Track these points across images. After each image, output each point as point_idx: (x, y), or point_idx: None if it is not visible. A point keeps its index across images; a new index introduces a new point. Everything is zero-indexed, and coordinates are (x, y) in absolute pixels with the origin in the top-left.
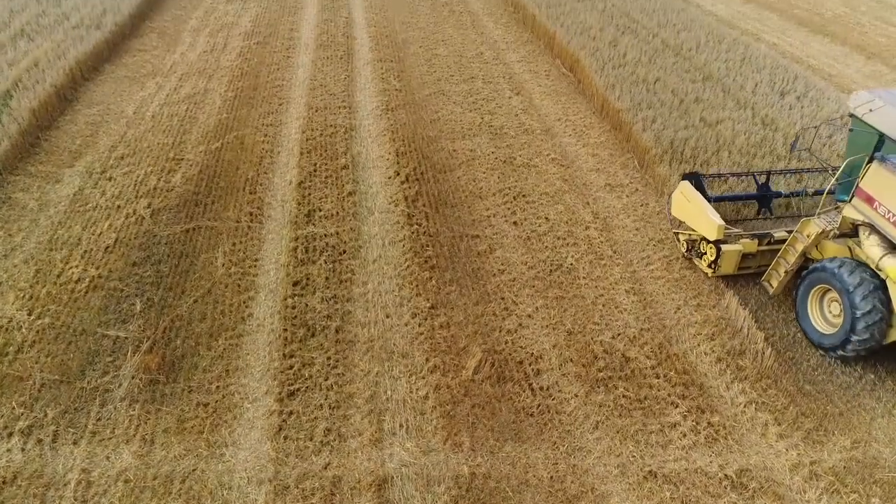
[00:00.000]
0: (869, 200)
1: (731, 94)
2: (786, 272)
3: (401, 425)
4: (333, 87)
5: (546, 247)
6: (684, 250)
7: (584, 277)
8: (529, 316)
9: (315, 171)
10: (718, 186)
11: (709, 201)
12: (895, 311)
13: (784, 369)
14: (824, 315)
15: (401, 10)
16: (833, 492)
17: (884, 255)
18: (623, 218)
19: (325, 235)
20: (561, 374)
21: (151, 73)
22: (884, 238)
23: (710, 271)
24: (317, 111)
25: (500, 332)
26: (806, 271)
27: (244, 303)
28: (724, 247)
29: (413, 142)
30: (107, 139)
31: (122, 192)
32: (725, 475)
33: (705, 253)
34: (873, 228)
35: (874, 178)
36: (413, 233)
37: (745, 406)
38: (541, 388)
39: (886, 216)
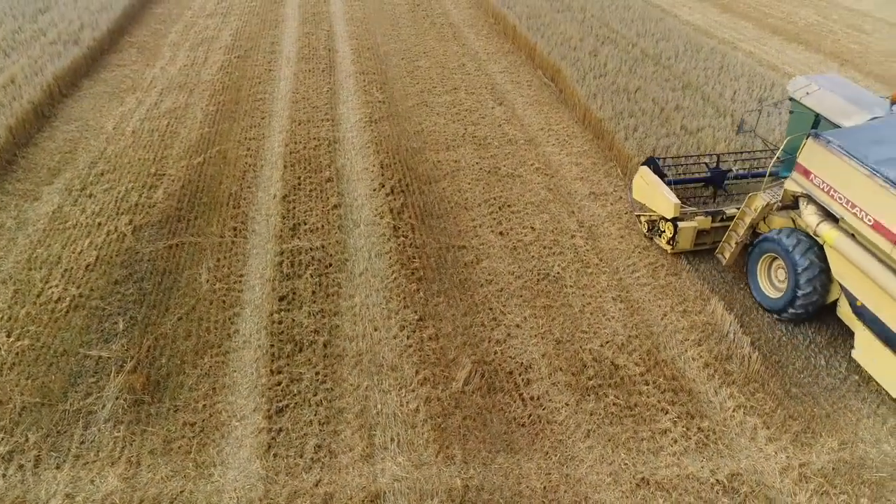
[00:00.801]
0: (806, 174)
1: (710, 102)
2: (736, 244)
3: (392, 439)
4: (316, 100)
5: (532, 256)
6: (646, 231)
7: (571, 286)
8: (518, 326)
9: (299, 184)
10: (676, 172)
11: (667, 184)
12: (832, 272)
13: (771, 373)
14: (772, 281)
15: (382, 23)
16: (823, 493)
17: (820, 222)
18: (608, 226)
19: (311, 249)
20: (551, 383)
21: (131, 88)
22: (820, 207)
23: (669, 248)
24: (300, 124)
25: (488, 342)
26: (754, 243)
27: (230, 319)
28: (680, 224)
29: (397, 153)
30: (86, 156)
31: (103, 208)
32: (717, 480)
33: (664, 231)
34: (810, 199)
35: (810, 153)
36: (399, 245)
37: (733, 410)
38: (531, 398)
39: (821, 187)
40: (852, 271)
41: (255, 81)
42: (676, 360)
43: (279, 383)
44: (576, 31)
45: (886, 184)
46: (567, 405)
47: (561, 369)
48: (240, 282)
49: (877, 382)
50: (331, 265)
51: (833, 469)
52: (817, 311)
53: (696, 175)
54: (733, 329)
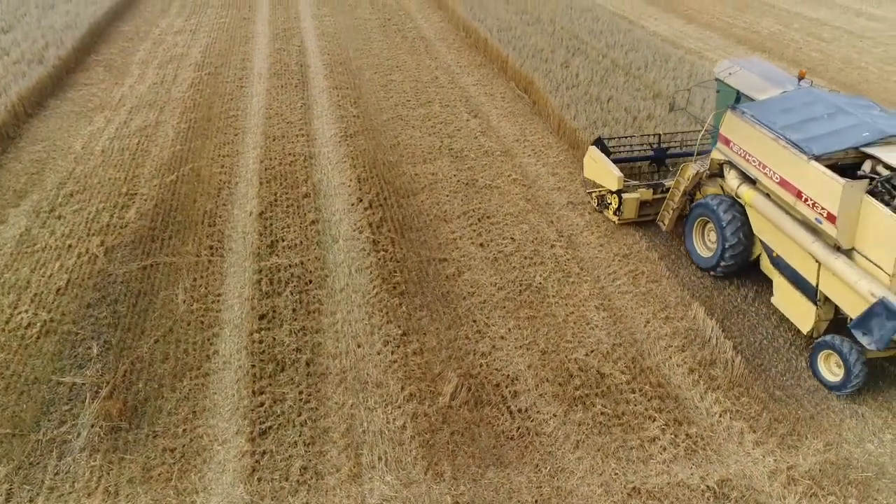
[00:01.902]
0: (727, 142)
1: (682, 110)
2: (673, 210)
3: (379, 458)
4: (290, 116)
5: (514, 267)
6: (595, 205)
7: (553, 296)
8: (502, 337)
9: (276, 200)
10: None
11: (614, 163)
12: (753, 228)
13: (754, 376)
14: (705, 242)
15: (354, 38)
16: (811, 495)
17: (740, 185)
18: (587, 235)
19: (290, 266)
20: (538, 394)
21: (99, 106)
22: (740, 172)
23: (615, 218)
24: (274, 140)
25: (474, 355)
26: (690, 209)
27: (208, 340)
28: (624, 195)
29: (374, 167)
30: (54, 176)
31: (73, 230)
32: (707, 486)
33: (611, 203)
34: (732, 165)
35: (729, 124)
36: (380, 259)
37: (720, 415)
38: (519, 411)
39: (739, 153)
40: (768, 226)
41: (226, 98)
42: (661, 367)
43: (262, 404)
44: (546, 43)
45: (788, 145)
46: (555, 416)
47: (547, 380)
48: (218, 301)
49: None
50: (311, 282)
51: (820, 471)
52: (743, 266)
53: (641, 154)
54: (715, 334)
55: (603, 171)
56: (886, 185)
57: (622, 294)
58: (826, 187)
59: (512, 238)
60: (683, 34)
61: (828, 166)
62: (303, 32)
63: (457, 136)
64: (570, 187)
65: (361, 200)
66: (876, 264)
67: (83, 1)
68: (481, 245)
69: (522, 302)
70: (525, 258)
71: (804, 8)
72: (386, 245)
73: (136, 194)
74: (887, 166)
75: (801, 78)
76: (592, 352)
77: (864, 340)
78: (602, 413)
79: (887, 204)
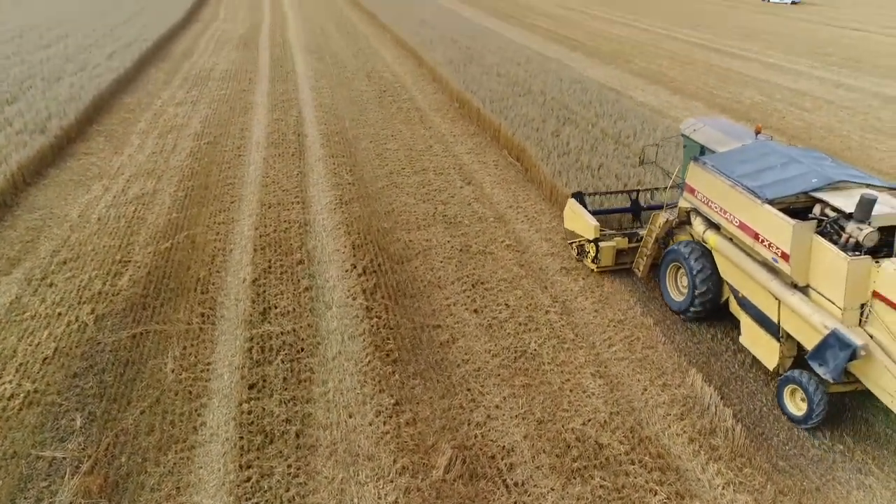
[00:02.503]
0: (692, 191)
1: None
2: (647, 257)
3: None
4: (286, 183)
5: (508, 333)
6: (575, 254)
7: (548, 363)
8: (497, 407)
9: (270, 267)
10: (600, 204)
11: (591, 214)
12: (720, 272)
13: (756, 446)
14: (678, 287)
15: (350, 108)
16: None
17: (706, 230)
18: (581, 300)
19: (282, 333)
20: (535, 466)
21: (98, 175)
22: (705, 218)
23: (594, 266)
24: (270, 207)
25: (468, 425)
26: (663, 256)
27: (196, 411)
28: (601, 244)
29: (368, 234)
30: (48, 244)
31: (64, 298)
32: None
33: (589, 252)
34: (697, 212)
35: (693, 174)
36: (373, 326)
37: (723, 488)
38: (515, 484)
39: (703, 200)
40: (732, 268)
41: (224, 167)
42: (661, 437)
43: (248, 479)
44: (537, 113)
45: (745, 191)
46: (553, 490)
47: (544, 451)
48: (207, 370)
49: (761, 362)
50: (302, 349)
51: None
52: (713, 309)
53: (618, 206)
54: (714, 402)
55: (581, 222)
56: (834, 226)
57: (618, 361)
58: (779, 228)
59: (506, 304)
60: (670, 104)
61: (781, 210)
62: (301, 103)
63: (451, 203)
64: (564, 253)
65: (355, 267)
66: (829, 299)
67: (88, 74)
68: (475, 311)
69: (517, 369)
70: (519, 324)
71: (785, 79)
72: (379, 312)
73: (129, 261)
74: (834, 209)
75: (757, 132)
76: (590, 421)
77: (820, 371)
78: (601, 486)
79: (835, 243)
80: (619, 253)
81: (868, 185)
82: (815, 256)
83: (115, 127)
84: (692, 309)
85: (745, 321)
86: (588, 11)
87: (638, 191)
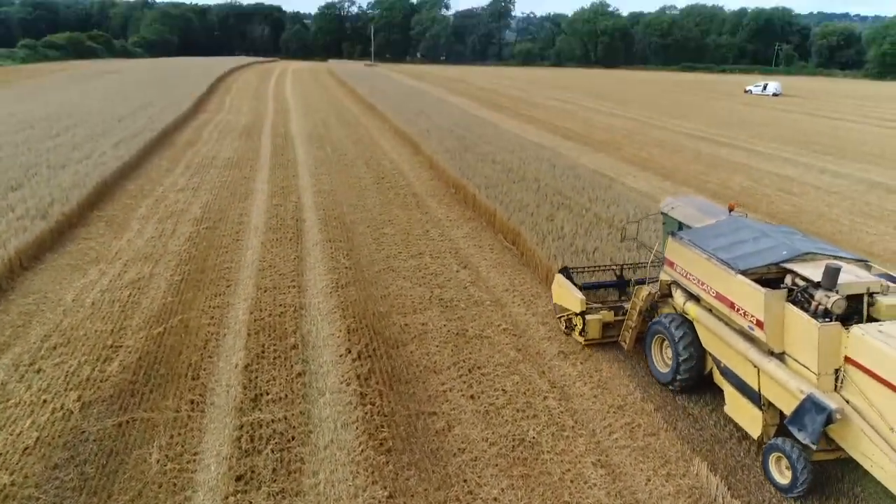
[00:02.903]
0: (671, 264)
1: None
2: (632, 329)
3: None
4: (283, 268)
5: (506, 420)
6: (563, 328)
7: (548, 452)
8: (496, 499)
9: (263, 352)
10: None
11: (578, 288)
12: (702, 342)
13: None
14: (663, 359)
15: (348, 194)
16: None
17: (686, 302)
18: (580, 386)
19: (273, 421)
20: None
21: (95, 259)
22: (685, 290)
23: (581, 339)
24: (266, 291)
25: None
26: (647, 328)
27: None
28: (588, 317)
29: (364, 318)
30: (40, 329)
31: (51, 384)
32: None
33: (577, 325)
34: (677, 284)
35: (671, 249)
36: (367, 413)
37: None
38: None
39: (682, 273)
40: (713, 338)
41: (222, 251)
42: None
43: None
44: (532, 198)
45: (719, 263)
46: None
47: None
48: (194, 461)
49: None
50: (293, 438)
51: None
52: (698, 380)
53: (605, 281)
54: (721, 492)
55: (568, 296)
56: (804, 294)
57: (620, 449)
58: (752, 297)
59: (503, 390)
60: (661, 189)
61: (754, 280)
62: (300, 190)
63: (447, 287)
64: (561, 337)
65: (350, 351)
66: (804, 365)
67: (93, 161)
68: (472, 397)
69: (516, 459)
70: (517, 411)
71: (772, 166)
72: (374, 398)
73: (121, 346)
74: (803, 278)
75: (731, 209)
76: None
77: (799, 436)
78: None
79: (806, 310)
80: (606, 326)
81: (835, 257)
82: (789, 324)
83: (117, 212)
84: (677, 379)
85: (729, 390)
86: (579, 103)
87: (623, 266)
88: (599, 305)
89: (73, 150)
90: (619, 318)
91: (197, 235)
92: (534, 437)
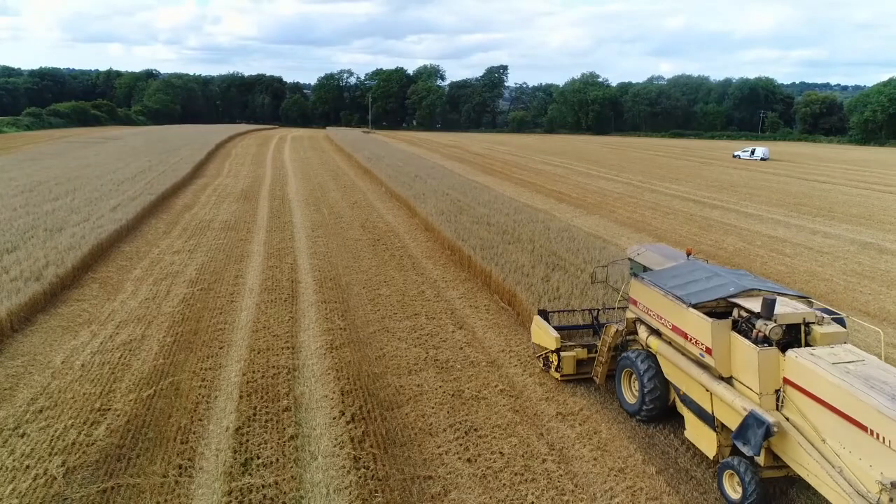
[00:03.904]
0: (634, 303)
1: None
2: (602, 364)
3: None
4: (277, 329)
5: (504, 485)
6: (541, 365)
7: None
8: None
9: (255, 415)
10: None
11: (555, 329)
12: (664, 373)
13: None
14: (631, 391)
15: (344, 256)
16: None
17: (648, 336)
18: (579, 448)
19: (263, 486)
20: None
21: (87, 321)
22: (648, 326)
23: (557, 375)
24: (259, 353)
25: None
26: (617, 363)
27: None
28: (563, 353)
29: (358, 379)
30: (27, 392)
31: (35, 449)
32: None
33: (553, 362)
34: (640, 321)
35: (634, 288)
36: (360, 478)
37: None
38: None
39: (643, 310)
40: (672, 368)
41: (216, 312)
42: None
43: None
44: (527, 259)
45: (675, 299)
46: None
47: None
48: None
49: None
50: None
51: None
52: (663, 410)
53: (580, 323)
54: None
55: (545, 335)
56: (747, 324)
57: None
58: (701, 327)
59: (501, 452)
60: None
61: (705, 313)
62: (296, 252)
63: (442, 348)
64: (559, 397)
65: (344, 414)
66: (748, 386)
67: (90, 225)
68: (468, 461)
69: None
70: (515, 475)
71: (763, 227)
72: (367, 462)
73: (109, 409)
74: (747, 310)
75: (688, 254)
76: None
77: (744, 449)
78: None
79: (748, 338)
80: (580, 363)
81: (778, 293)
82: (734, 350)
83: (111, 274)
84: (643, 409)
85: (688, 416)
86: (572, 167)
87: (598, 309)
88: (573, 343)
89: (72, 214)
90: (592, 355)
91: (191, 297)
92: (533, 503)
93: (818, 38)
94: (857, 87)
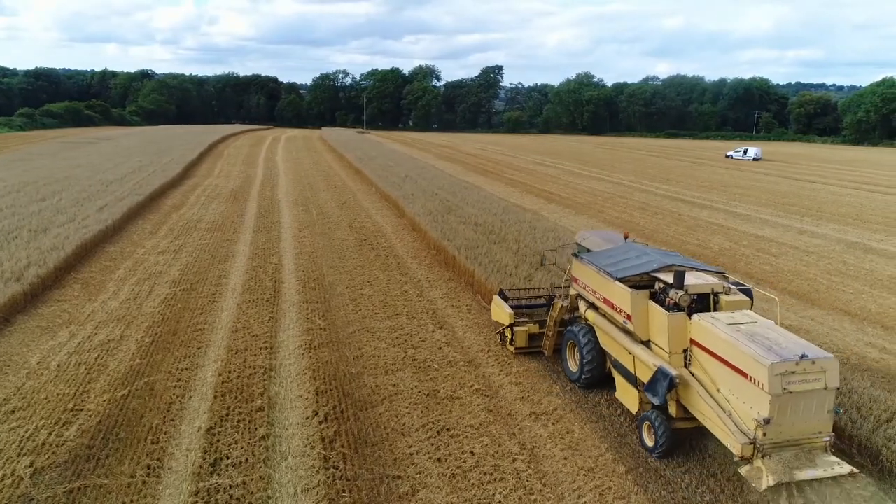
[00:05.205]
0: (576, 280)
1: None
2: (550, 338)
3: None
4: (257, 329)
5: (472, 484)
6: (499, 340)
7: None
8: None
9: (227, 415)
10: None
11: (512, 308)
12: (600, 343)
13: None
14: (575, 361)
15: (330, 256)
16: None
17: (587, 310)
18: (550, 447)
19: (231, 487)
20: None
21: (66, 322)
22: (586, 301)
23: (512, 348)
24: (236, 353)
25: None
26: (564, 336)
27: None
28: (516, 328)
29: (334, 379)
30: (0, 392)
31: (4, 450)
32: None
33: (507, 336)
34: (581, 297)
35: (576, 268)
36: (329, 477)
37: None
38: None
39: (583, 286)
40: (606, 337)
41: (196, 313)
42: None
43: None
44: (511, 259)
45: (605, 275)
46: None
47: None
48: None
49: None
50: None
51: None
52: (600, 376)
53: (536, 301)
54: None
55: (501, 312)
56: (663, 294)
57: None
58: (624, 297)
59: (471, 452)
60: None
61: (631, 286)
62: (281, 252)
63: (421, 347)
64: (534, 397)
65: (317, 414)
66: (661, 347)
67: (75, 225)
68: (439, 460)
69: None
70: (485, 474)
71: (751, 227)
72: (337, 462)
73: (81, 410)
74: (664, 283)
75: (626, 237)
76: None
77: (654, 400)
78: None
79: (663, 305)
80: (532, 337)
81: (697, 269)
82: (651, 317)
83: (94, 275)
84: (584, 376)
85: (618, 378)
86: (564, 167)
87: (553, 289)
88: (526, 319)
89: (57, 214)
90: (543, 330)
91: (173, 297)
92: (500, 502)
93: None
94: (852, 88)
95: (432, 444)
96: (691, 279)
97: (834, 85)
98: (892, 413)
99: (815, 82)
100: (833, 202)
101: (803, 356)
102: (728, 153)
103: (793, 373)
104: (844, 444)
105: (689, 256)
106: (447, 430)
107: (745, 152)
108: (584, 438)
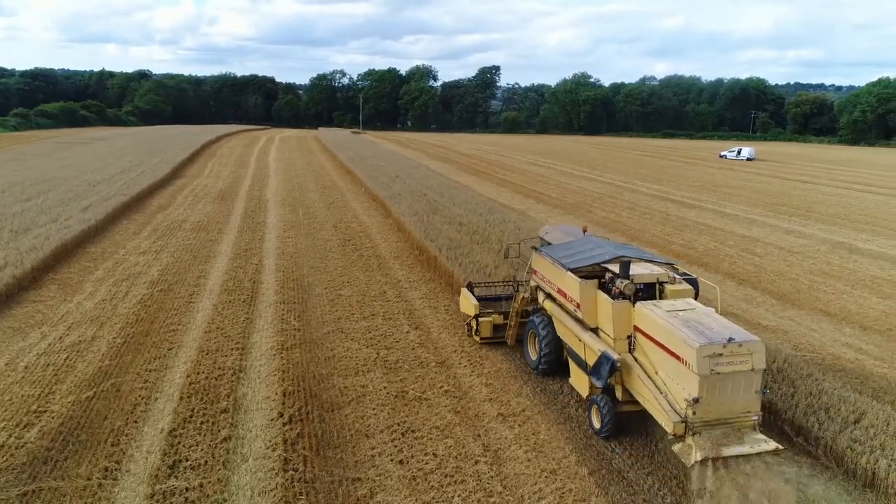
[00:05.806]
0: (535, 272)
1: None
2: (512, 328)
3: None
4: (230, 330)
5: (432, 486)
6: (467, 330)
7: None
8: None
9: (191, 416)
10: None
11: (478, 299)
12: (557, 332)
13: None
14: (535, 349)
15: (311, 256)
16: None
17: (545, 300)
18: (515, 449)
19: (187, 489)
20: None
21: (39, 322)
22: (544, 291)
23: (477, 337)
24: (207, 354)
25: None
26: (526, 326)
27: None
28: (481, 319)
29: (303, 380)
30: None
31: None
32: None
33: (473, 326)
34: (539, 288)
35: (535, 260)
36: (287, 480)
37: None
38: None
39: (541, 278)
40: (561, 326)
41: (172, 313)
42: None
43: None
44: (492, 259)
45: (559, 266)
46: None
47: None
48: None
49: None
50: None
51: None
52: (557, 364)
53: (502, 293)
54: None
55: (468, 304)
56: (611, 283)
57: None
58: (573, 286)
59: (434, 454)
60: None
61: (583, 277)
62: (263, 252)
63: (394, 348)
64: (503, 398)
65: (282, 415)
66: (607, 334)
67: (58, 226)
68: (400, 462)
69: None
70: (445, 476)
71: (737, 227)
72: (297, 464)
73: (44, 412)
74: (612, 273)
75: (584, 231)
76: None
77: (597, 383)
78: None
79: (609, 294)
80: (497, 328)
81: (647, 261)
82: (598, 305)
83: (72, 275)
84: (541, 365)
85: (571, 365)
86: (556, 167)
87: (518, 282)
88: (490, 310)
89: (41, 215)
90: (506, 321)
91: (149, 298)
92: None
93: (816, 38)
94: (851, 88)
95: (395, 446)
96: (637, 269)
97: (833, 85)
98: (861, 414)
99: (814, 82)
100: (822, 202)
101: (730, 339)
102: (722, 153)
103: (720, 355)
104: (811, 445)
105: (673, 257)
106: (412, 431)
107: (739, 152)
108: (550, 440)
